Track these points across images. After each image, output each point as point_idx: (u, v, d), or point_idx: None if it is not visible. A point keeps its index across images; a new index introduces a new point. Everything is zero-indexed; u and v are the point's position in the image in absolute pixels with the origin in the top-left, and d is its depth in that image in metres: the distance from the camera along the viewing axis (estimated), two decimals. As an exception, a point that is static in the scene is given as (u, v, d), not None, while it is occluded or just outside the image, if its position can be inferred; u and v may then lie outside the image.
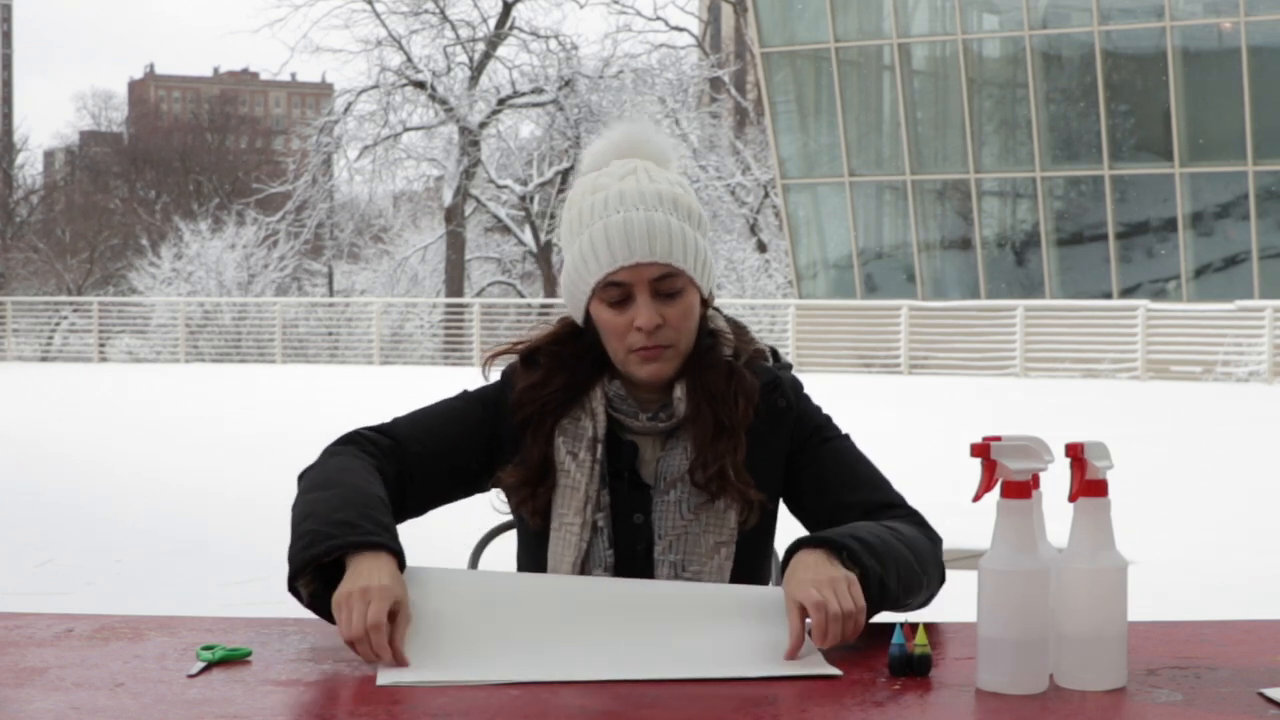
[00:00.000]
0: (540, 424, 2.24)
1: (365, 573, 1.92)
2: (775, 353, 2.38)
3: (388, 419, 2.30)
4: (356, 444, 2.23)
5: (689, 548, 2.20)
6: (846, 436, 2.33)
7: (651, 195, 2.19)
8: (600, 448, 2.22)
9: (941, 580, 2.18)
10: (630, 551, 2.22)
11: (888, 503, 2.25)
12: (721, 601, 2.04)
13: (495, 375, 2.35)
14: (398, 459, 2.22)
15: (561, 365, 2.26)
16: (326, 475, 2.13)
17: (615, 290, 2.18)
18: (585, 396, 2.25)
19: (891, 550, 2.04)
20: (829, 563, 1.96)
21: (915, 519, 2.23)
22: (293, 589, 2.01)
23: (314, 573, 1.98)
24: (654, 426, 2.23)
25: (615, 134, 2.31)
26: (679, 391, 2.23)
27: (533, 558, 2.30)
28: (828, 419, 2.33)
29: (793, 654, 1.88)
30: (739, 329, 2.34)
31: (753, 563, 2.27)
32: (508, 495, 2.29)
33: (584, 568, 2.21)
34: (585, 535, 2.21)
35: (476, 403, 2.31)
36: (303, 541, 2.00)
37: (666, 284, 2.18)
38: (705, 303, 2.27)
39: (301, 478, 2.18)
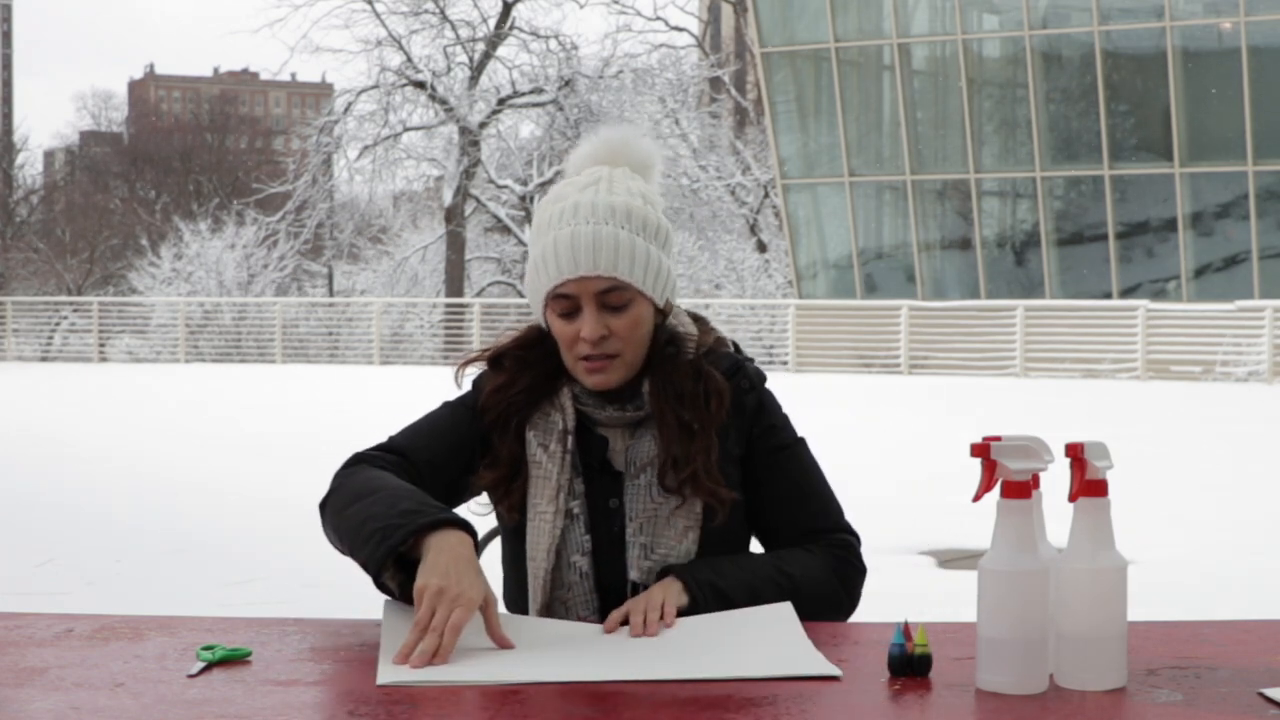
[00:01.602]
0: (507, 424, 2.30)
1: (447, 561, 1.96)
2: (737, 346, 2.42)
3: (382, 439, 2.35)
4: (367, 461, 2.27)
5: (658, 530, 2.24)
6: (800, 443, 2.36)
7: (604, 208, 2.22)
8: (571, 439, 2.27)
9: (841, 610, 2.28)
10: (607, 535, 2.26)
11: (814, 529, 2.32)
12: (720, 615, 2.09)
13: (466, 384, 2.40)
14: (407, 471, 2.26)
15: (526, 367, 2.32)
16: (361, 487, 2.16)
17: (564, 302, 2.24)
18: (554, 394, 2.30)
19: (752, 593, 2.16)
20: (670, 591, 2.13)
21: (837, 548, 2.31)
22: (380, 585, 2.06)
23: (396, 565, 2.04)
24: (621, 417, 2.28)
25: (597, 139, 2.36)
26: (646, 387, 2.27)
27: (514, 556, 2.34)
28: (785, 421, 2.36)
29: (610, 628, 2.04)
30: (698, 320, 2.38)
31: (723, 547, 2.29)
32: (483, 495, 2.34)
33: (560, 554, 2.26)
34: (559, 522, 2.25)
35: (461, 408, 2.36)
36: (374, 539, 2.03)
37: (613, 296, 2.22)
38: (663, 311, 2.30)
39: (325, 504, 2.21)
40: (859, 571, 2.31)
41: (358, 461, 2.27)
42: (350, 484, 2.18)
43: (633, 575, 2.23)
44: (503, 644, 1.94)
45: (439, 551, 1.97)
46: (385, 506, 2.07)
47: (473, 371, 2.39)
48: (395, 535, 2.01)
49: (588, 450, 2.29)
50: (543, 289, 2.25)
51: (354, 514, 2.10)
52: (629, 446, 2.27)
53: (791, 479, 2.33)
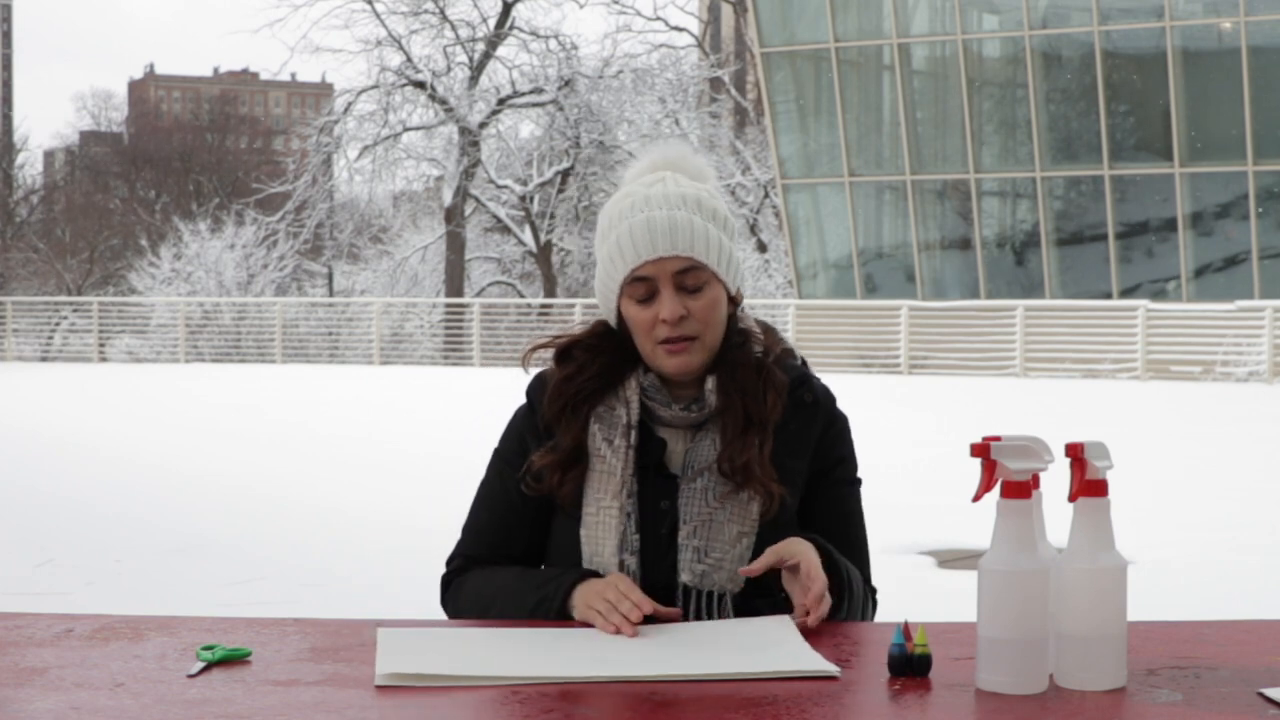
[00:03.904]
0: (576, 411, 2.32)
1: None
2: (804, 361, 2.46)
3: (458, 536, 2.45)
4: (458, 575, 2.39)
5: (712, 534, 2.26)
6: (859, 486, 2.43)
7: (675, 197, 2.29)
8: (634, 434, 2.30)
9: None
10: (655, 536, 2.28)
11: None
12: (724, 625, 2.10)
13: (533, 369, 2.43)
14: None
15: (596, 355, 2.34)
16: (476, 602, 2.31)
17: (641, 286, 2.27)
18: (620, 385, 2.33)
19: (855, 601, 2.29)
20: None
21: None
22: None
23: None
24: (685, 417, 2.31)
25: (654, 154, 2.42)
26: (710, 384, 2.30)
27: (561, 545, 2.34)
28: (854, 455, 2.43)
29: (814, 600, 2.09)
30: (767, 329, 2.42)
31: None
32: (537, 479, 2.33)
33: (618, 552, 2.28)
34: (623, 519, 2.27)
35: (500, 461, 2.41)
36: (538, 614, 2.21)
37: (690, 277, 2.26)
38: (733, 301, 2.35)
39: (453, 610, 2.36)
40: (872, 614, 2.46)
41: (450, 579, 2.39)
42: (461, 603, 2.33)
43: (684, 578, 2.24)
44: (668, 616, 2.10)
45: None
46: (515, 608, 2.23)
47: (536, 361, 2.41)
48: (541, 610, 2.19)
49: (645, 451, 2.31)
50: (619, 276, 2.28)
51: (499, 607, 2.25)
52: (688, 450, 2.30)
53: (845, 521, 2.39)
